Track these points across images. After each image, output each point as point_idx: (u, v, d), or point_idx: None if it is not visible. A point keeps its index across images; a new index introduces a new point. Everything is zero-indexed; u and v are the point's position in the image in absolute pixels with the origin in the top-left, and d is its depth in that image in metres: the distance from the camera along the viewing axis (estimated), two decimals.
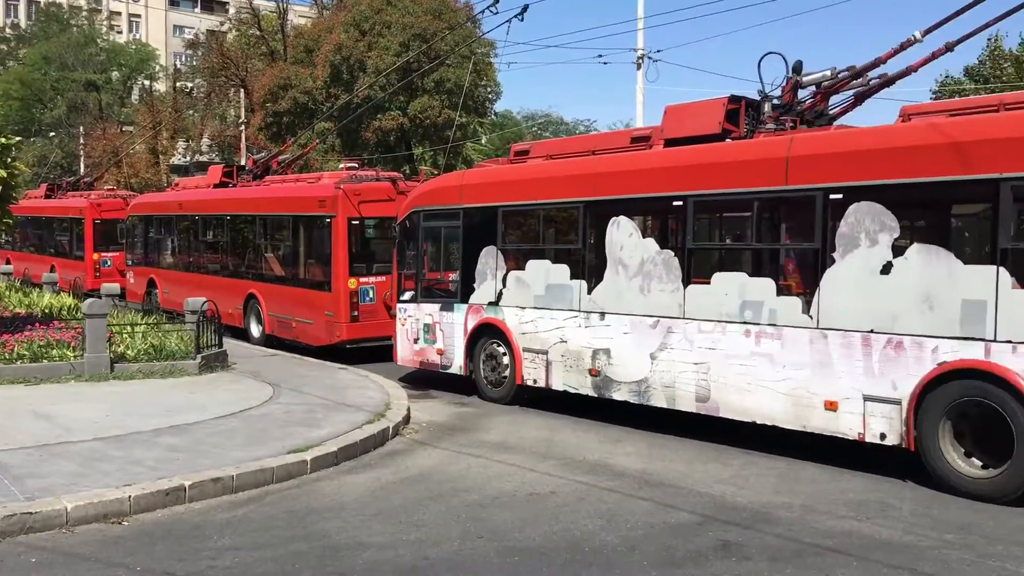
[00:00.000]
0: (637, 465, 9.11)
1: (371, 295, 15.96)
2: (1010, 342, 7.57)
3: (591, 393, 11.15)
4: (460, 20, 35.28)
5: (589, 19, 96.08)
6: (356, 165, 18.77)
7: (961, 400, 7.95)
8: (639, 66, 24.56)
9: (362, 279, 15.93)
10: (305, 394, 11.95)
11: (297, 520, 7.26)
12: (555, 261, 11.67)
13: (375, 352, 15.45)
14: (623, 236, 10.75)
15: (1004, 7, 8.48)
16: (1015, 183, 7.61)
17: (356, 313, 15.79)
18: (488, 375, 12.60)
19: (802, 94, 10.13)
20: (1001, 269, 7.64)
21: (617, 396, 10.81)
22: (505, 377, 12.36)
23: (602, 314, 10.92)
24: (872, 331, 8.47)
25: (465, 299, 12.81)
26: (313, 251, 17.03)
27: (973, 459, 8.00)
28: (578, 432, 10.74)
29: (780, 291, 9.31)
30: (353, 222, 15.93)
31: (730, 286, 9.67)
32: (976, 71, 33.90)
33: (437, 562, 6.30)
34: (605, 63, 51.88)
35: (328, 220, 16.08)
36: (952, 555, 6.43)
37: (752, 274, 9.70)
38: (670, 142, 10.63)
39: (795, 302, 9.15)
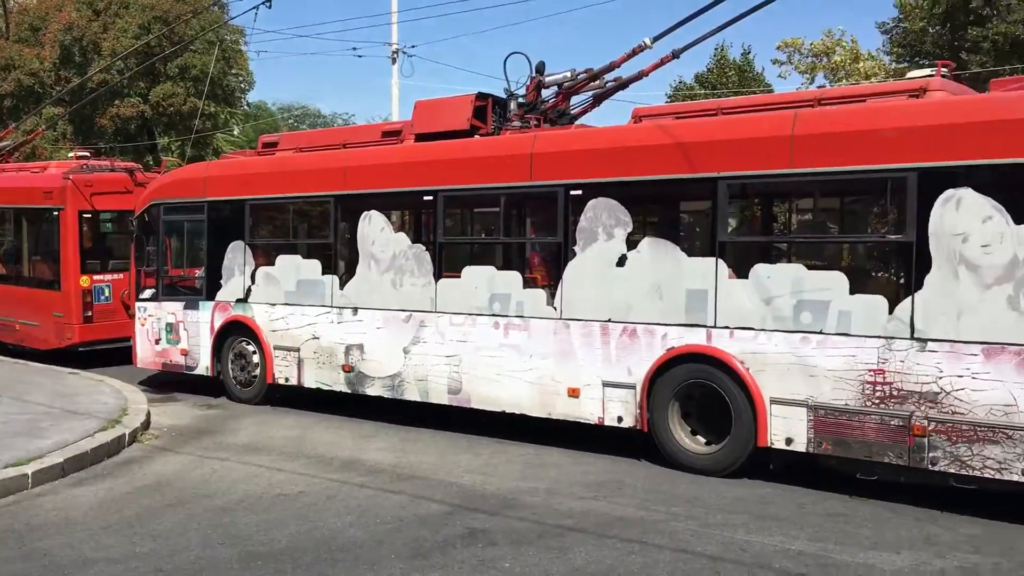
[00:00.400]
0: (390, 459, 9.10)
1: (107, 294, 14.97)
2: (727, 327, 8.27)
3: (345, 389, 11.02)
4: (205, 3, 33.61)
5: (344, 10, 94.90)
6: (88, 154, 17.45)
7: (687, 382, 8.57)
8: (394, 60, 24.64)
9: (96, 277, 14.94)
10: (28, 402, 10.94)
11: (14, 540, 6.62)
12: (306, 256, 11.41)
13: (113, 355, 14.47)
14: (375, 230, 10.70)
15: (726, 18, 9.13)
16: (730, 181, 8.31)
17: (90, 313, 14.80)
18: (237, 375, 12.13)
19: (545, 94, 10.49)
20: (720, 261, 8.31)
21: (371, 391, 10.75)
22: (255, 376, 11.94)
23: (355, 309, 10.82)
24: (610, 320, 8.95)
25: (211, 296, 12.25)
26: (39, 247, 15.69)
27: (698, 436, 8.66)
28: (331, 429, 10.58)
29: (526, 284, 9.63)
30: (85, 215, 14.91)
31: (479, 279, 9.87)
32: (705, 78, 36.75)
33: (173, 573, 5.96)
34: (360, 56, 51.57)
35: (56, 213, 14.88)
36: (679, 526, 6.93)
37: (500, 267, 9.95)
38: (420, 137, 10.70)
39: (540, 294, 9.49)
